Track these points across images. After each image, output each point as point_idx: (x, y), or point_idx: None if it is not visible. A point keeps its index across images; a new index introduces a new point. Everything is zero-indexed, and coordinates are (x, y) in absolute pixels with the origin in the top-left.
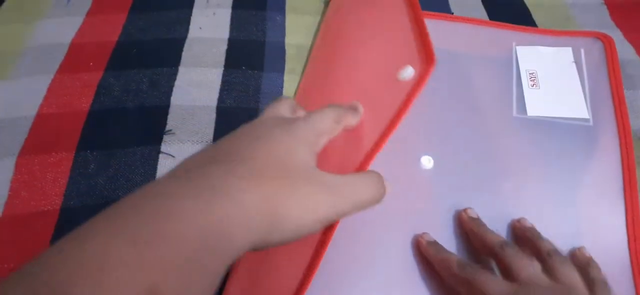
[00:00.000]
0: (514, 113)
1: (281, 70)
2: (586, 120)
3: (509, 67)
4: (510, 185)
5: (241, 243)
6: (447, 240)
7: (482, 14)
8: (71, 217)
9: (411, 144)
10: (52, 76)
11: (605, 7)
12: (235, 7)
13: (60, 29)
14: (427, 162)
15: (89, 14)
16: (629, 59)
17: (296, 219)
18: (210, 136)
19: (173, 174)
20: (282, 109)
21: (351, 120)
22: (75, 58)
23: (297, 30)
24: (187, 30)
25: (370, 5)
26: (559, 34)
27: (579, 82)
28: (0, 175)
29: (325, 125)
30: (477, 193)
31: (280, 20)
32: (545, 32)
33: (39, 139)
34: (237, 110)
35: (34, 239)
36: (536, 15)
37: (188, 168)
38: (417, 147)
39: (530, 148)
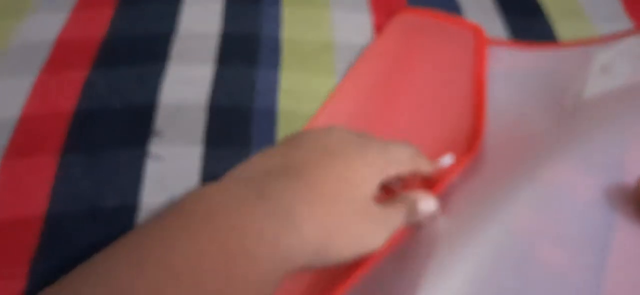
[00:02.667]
0: (568, 102)
1: (277, 65)
2: None
3: (580, 71)
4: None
5: (292, 269)
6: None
7: (490, 4)
8: (57, 222)
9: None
10: (36, 75)
11: None
12: None
13: (45, 26)
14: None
15: (75, 9)
16: None
17: (341, 251)
18: (201, 136)
19: (242, 178)
20: (401, 150)
21: (425, 167)
22: (60, 56)
23: (294, 24)
24: (176, 24)
25: (439, 46)
26: None
27: None
28: None
29: (400, 158)
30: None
31: (276, 13)
32: (628, 33)
33: (22, 141)
34: (229, 109)
35: (19, 246)
36: (546, 8)
37: (259, 174)
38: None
39: (576, 130)
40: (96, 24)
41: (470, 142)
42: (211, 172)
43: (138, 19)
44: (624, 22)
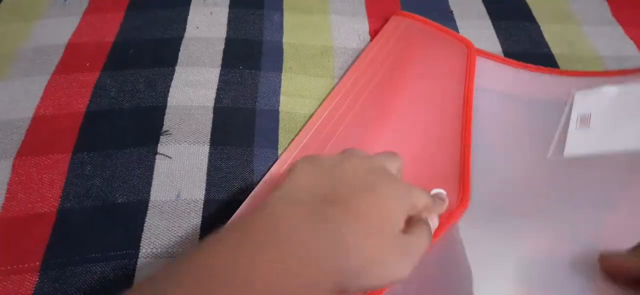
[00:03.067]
0: (549, 155)
1: (279, 69)
2: None
3: (560, 111)
4: (528, 222)
5: (337, 292)
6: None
7: (481, 9)
8: (68, 219)
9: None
10: (48, 77)
11: (606, 2)
12: (232, 5)
13: (57, 29)
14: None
15: (86, 13)
16: (629, 55)
17: (377, 279)
18: (208, 136)
19: (298, 199)
20: (393, 165)
21: (440, 209)
22: (71, 58)
23: (295, 29)
24: (184, 29)
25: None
26: (626, 73)
27: None
28: None
29: (422, 203)
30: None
31: (278, 19)
32: (612, 73)
33: (35, 140)
34: (234, 110)
35: (32, 242)
36: (536, 11)
37: (313, 199)
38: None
39: (558, 189)
40: (107, 28)
41: (459, 179)
42: (217, 170)
43: (147, 24)
44: (611, 25)
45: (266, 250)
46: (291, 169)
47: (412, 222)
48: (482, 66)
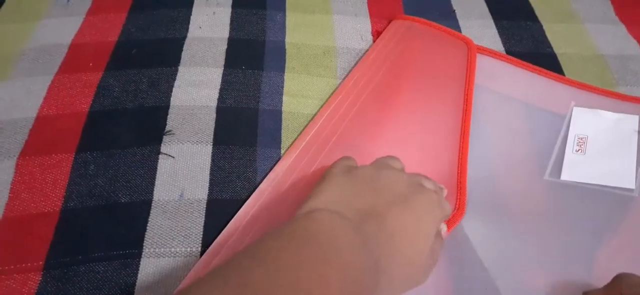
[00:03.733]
0: (546, 175)
1: (281, 69)
2: (630, 190)
3: (559, 125)
4: (524, 243)
5: None
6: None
7: (483, 8)
8: (71, 219)
9: None
10: (51, 77)
11: (608, 1)
12: (235, 6)
13: (60, 29)
14: None
15: (89, 13)
16: (632, 54)
17: (399, 290)
18: (211, 136)
19: (338, 211)
20: (427, 183)
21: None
22: (74, 58)
23: (298, 29)
24: (186, 29)
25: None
26: (625, 98)
27: (635, 153)
28: (1, 177)
29: (448, 210)
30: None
31: (281, 19)
32: (611, 94)
33: (39, 140)
34: (237, 110)
35: (35, 241)
36: (538, 11)
37: (351, 212)
38: None
39: (552, 211)
40: (109, 28)
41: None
42: (220, 169)
43: (150, 24)
44: (614, 24)
45: (309, 267)
46: (328, 178)
47: None
48: (484, 64)
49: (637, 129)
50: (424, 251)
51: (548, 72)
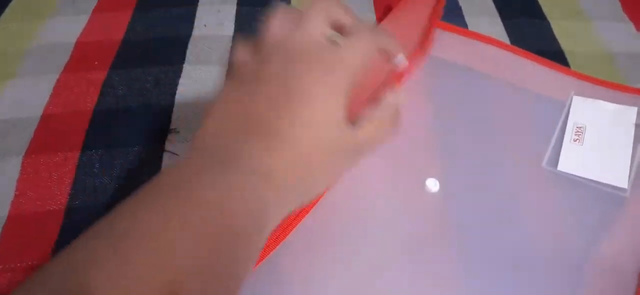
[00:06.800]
0: (544, 163)
1: None
2: (623, 190)
3: (557, 113)
4: (518, 227)
5: (273, 224)
6: (453, 262)
7: (490, 6)
8: (76, 216)
9: (418, 167)
10: (57, 75)
11: None
12: (240, 3)
13: (66, 28)
14: (432, 185)
15: (95, 11)
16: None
17: (320, 188)
18: None
19: (205, 149)
20: (320, 26)
21: (389, 46)
22: (80, 57)
23: None
24: (191, 27)
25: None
26: (627, 89)
27: (631, 148)
28: (7, 174)
29: (365, 59)
30: (484, 225)
31: None
32: (612, 85)
33: (44, 138)
34: None
35: (40, 238)
36: (546, 8)
37: (224, 139)
38: (425, 171)
39: (547, 201)
40: (115, 26)
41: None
42: None
43: (155, 22)
44: (623, 22)
45: (174, 210)
46: (221, 95)
47: (372, 98)
48: (488, 52)
49: (634, 121)
50: (327, 139)
51: (547, 61)
